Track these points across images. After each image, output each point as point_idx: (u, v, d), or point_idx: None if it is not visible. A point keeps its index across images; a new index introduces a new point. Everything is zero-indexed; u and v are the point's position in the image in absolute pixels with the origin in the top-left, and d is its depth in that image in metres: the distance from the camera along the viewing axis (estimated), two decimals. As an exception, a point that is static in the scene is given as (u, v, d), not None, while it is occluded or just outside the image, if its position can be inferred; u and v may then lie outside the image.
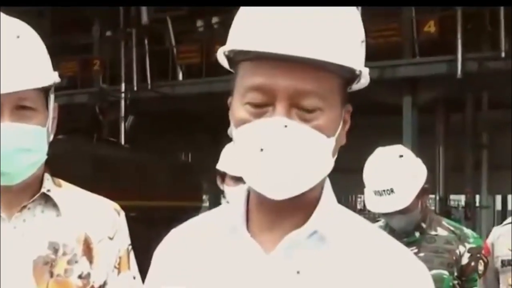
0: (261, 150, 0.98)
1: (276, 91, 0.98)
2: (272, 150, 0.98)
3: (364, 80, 1.05)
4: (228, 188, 3.23)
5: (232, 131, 1.04)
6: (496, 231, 2.93)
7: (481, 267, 2.71)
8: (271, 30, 0.97)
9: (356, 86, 1.07)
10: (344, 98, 1.04)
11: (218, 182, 3.30)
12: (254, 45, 0.98)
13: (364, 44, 1.05)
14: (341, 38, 1.00)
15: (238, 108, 1.01)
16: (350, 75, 1.03)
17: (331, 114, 1.01)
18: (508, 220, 2.86)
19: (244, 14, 1.02)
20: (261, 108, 0.99)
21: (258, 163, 0.99)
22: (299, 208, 1.05)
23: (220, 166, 3.28)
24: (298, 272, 1.03)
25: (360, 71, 1.03)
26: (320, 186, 1.06)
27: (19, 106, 1.38)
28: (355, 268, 1.03)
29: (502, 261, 2.71)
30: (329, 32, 0.99)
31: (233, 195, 3.22)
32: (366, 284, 1.02)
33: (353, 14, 1.05)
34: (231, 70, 1.07)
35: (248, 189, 1.10)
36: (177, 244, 1.14)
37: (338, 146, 1.05)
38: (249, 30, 1.00)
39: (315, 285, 1.02)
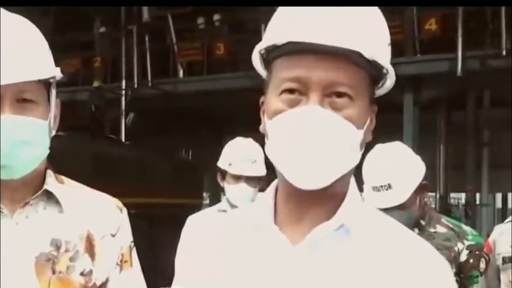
0: (296, 138, 1.02)
1: (310, 82, 1.03)
2: (306, 138, 1.02)
3: (390, 83, 1.10)
4: (228, 186, 3.25)
5: (266, 124, 1.08)
6: (498, 228, 2.93)
7: (482, 265, 2.71)
8: (309, 23, 1.03)
9: (380, 91, 1.11)
10: (372, 97, 1.09)
11: (219, 179, 3.31)
12: (295, 37, 1.03)
13: (389, 48, 1.10)
14: (373, 36, 1.05)
15: (273, 100, 1.06)
16: (378, 74, 1.07)
17: (360, 106, 1.05)
18: (510, 218, 2.86)
19: (281, 14, 1.08)
20: (296, 95, 1.04)
21: (293, 151, 1.03)
22: (327, 200, 1.08)
23: (221, 164, 3.29)
24: (324, 264, 1.05)
25: (387, 70, 1.07)
26: (347, 179, 1.10)
27: (20, 98, 1.38)
28: (379, 261, 1.06)
29: (503, 258, 2.70)
30: (364, 29, 1.04)
31: (233, 192, 3.24)
32: (390, 277, 1.05)
33: (382, 17, 1.10)
34: (259, 72, 1.12)
35: (276, 185, 1.13)
36: (206, 239, 1.17)
37: (364, 142, 1.09)
38: (287, 25, 1.05)
39: (341, 277, 1.05)
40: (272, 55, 1.08)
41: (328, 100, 1.03)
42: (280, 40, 1.05)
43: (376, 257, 1.06)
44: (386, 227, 1.11)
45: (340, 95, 1.03)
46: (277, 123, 1.04)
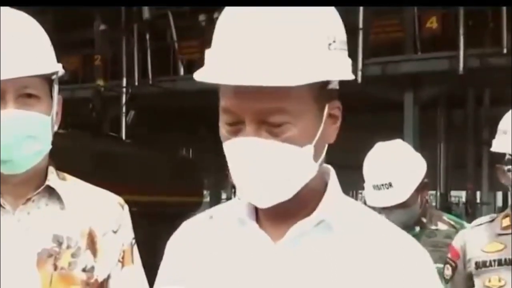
0: (238, 166, 1.04)
1: (243, 112, 1.03)
2: (245, 166, 1.03)
3: (347, 74, 1.07)
4: None
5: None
6: (466, 233, 2.62)
7: (448, 272, 2.54)
8: (228, 62, 1.01)
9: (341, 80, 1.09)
10: (324, 99, 1.06)
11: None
12: (223, 79, 1.02)
13: (335, 44, 1.05)
14: (297, 55, 1.00)
15: (220, 125, 1.08)
16: (322, 82, 1.04)
17: (303, 125, 1.03)
18: (477, 222, 2.66)
19: (213, 47, 1.05)
20: (235, 126, 1.04)
21: (239, 177, 1.05)
22: (302, 202, 1.08)
23: None
24: (305, 260, 1.06)
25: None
26: (320, 180, 1.10)
27: (23, 93, 1.39)
28: (361, 254, 1.07)
29: (476, 263, 2.48)
30: (283, 54, 1.00)
31: None
32: (372, 270, 1.05)
33: (318, 15, 1.04)
34: None
35: None
36: (189, 234, 1.19)
37: (323, 146, 1.08)
38: (212, 61, 1.04)
39: (323, 273, 1.06)
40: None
41: (265, 127, 1.02)
42: (210, 80, 1.03)
43: (358, 251, 1.07)
44: (368, 221, 1.12)
45: (277, 125, 1.02)
46: (226, 150, 1.06)
